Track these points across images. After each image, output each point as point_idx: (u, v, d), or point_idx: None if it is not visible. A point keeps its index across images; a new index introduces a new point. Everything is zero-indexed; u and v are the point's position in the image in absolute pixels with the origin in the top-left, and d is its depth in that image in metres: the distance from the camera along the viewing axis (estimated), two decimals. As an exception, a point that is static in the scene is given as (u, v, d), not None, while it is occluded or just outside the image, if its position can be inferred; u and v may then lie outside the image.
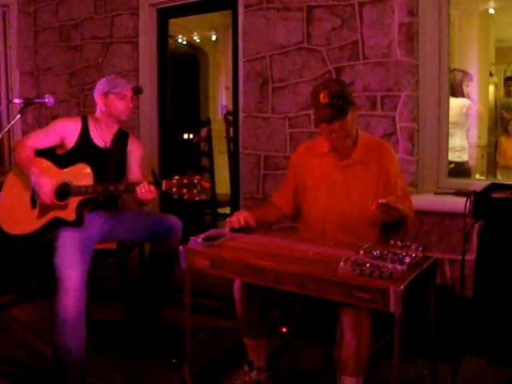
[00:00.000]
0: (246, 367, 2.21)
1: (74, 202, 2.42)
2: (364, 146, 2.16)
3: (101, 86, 2.59)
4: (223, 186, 5.00)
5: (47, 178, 2.39)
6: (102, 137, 2.61)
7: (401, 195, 2.12)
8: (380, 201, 1.87)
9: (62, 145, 2.57)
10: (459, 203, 2.24)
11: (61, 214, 2.42)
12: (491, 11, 4.68)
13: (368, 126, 3.05)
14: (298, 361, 2.23)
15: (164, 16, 4.04)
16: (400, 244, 1.74)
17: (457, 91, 4.02)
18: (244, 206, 3.49)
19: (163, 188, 2.30)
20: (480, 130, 4.44)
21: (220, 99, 6.28)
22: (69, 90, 4.27)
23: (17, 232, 2.49)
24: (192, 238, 1.97)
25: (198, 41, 6.09)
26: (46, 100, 2.43)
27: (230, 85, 3.84)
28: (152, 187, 2.32)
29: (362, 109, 3.05)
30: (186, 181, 2.26)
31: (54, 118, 3.93)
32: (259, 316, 2.15)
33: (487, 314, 2.38)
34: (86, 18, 4.21)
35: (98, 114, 2.63)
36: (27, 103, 2.44)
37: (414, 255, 1.66)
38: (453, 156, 3.59)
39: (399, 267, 1.57)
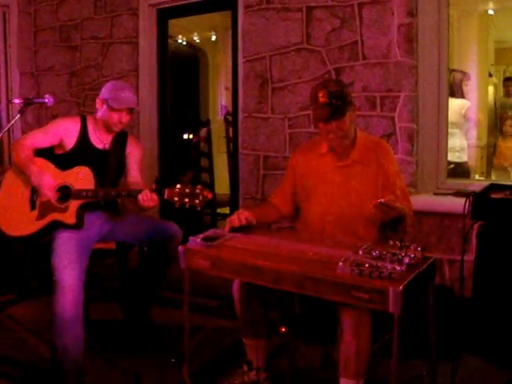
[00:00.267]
0: (245, 367, 2.21)
1: (74, 205, 2.39)
2: (362, 146, 2.17)
3: (103, 90, 2.55)
4: (223, 186, 5.00)
5: (48, 176, 2.37)
6: (100, 138, 2.59)
7: (400, 194, 2.12)
8: (378, 200, 1.88)
9: (60, 145, 2.54)
10: (458, 204, 2.24)
11: (60, 216, 2.40)
12: (490, 12, 4.68)
13: (367, 126, 3.06)
14: (297, 361, 2.23)
15: (164, 16, 4.04)
16: (399, 244, 1.74)
17: (456, 92, 4.02)
18: (243, 206, 3.49)
19: (165, 197, 2.29)
20: (479, 130, 4.45)
21: (220, 99, 6.29)
22: (69, 90, 4.27)
23: (15, 233, 2.47)
24: (191, 238, 1.97)
25: (197, 41, 6.10)
26: (46, 100, 2.43)
27: (230, 85, 3.85)
28: (154, 195, 2.29)
29: (362, 109, 3.06)
30: (188, 190, 2.23)
31: (54, 117, 3.92)
32: (258, 316, 2.15)
33: (486, 315, 2.38)
34: (85, 18, 4.22)
35: (97, 116, 2.60)
36: (27, 103, 2.44)
37: (413, 255, 1.66)
38: (452, 156, 3.59)
39: (398, 267, 1.57)
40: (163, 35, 4.08)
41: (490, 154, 4.60)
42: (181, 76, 4.73)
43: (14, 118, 2.46)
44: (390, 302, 1.50)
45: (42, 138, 2.54)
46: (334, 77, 3.16)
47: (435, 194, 3.00)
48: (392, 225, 2.05)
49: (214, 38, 6.15)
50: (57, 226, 2.40)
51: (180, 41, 5.78)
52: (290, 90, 3.35)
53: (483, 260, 2.43)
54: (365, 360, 1.87)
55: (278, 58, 3.38)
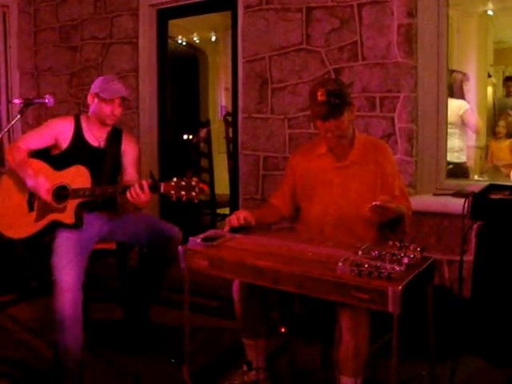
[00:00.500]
0: (245, 367, 2.22)
1: (72, 204, 2.39)
2: (361, 147, 2.17)
3: (94, 85, 2.55)
4: (222, 187, 5.00)
5: (43, 178, 2.36)
6: (95, 136, 2.58)
7: (399, 195, 2.13)
8: (374, 202, 1.88)
9: (56, 145, 2.54)
10: (458, 204, 2.25)
11: (59, 216, 2.40)
12: (490, 13, 4.69)
13: (367, 126, 3.06)
14: (296, 361, 2.24)
15: (164, 17, 4.05)
16: (398, 245, 1.75)
17: (456, 93, 4.01)
18: (243, 207, 3.50)
19: (161, 191, 2.29)
20: (479, 131, 4.43)
21: (219, 100, 6.29)
22: (69, 90, 4.27)
23: (15, 236, 2.46)
24: (191, 238, 1.98)
25: (197, 41, 6.10)
26: (46, 100, 2.42)
27: (230, 85, 3.85)
28: (146, 189, 2.27)
29: (361, 110, 3.06)
30: (183, 183, 2.25)
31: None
32: (258, 316, 2.15)
33: (485, 315, 2.38)
34: (85, 18, 4.22)
35: (90, 112, 2.59)
36: (27, 103, 2.44)
37: (412, 256, 1.67)
38: (451, 157, 3.59)
39: (397, 268, 1.57)
40: (163, 35, 4.09)
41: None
42: (181, 76, 4.73)
43: (14, 118, 2.46)
44: (389, 302, 1.51)
45: (37, 139, 2.53)
46: (333, 77, 3.17)
47: (434, 194, 3.01)
48: (391, 225, 2.06)
49: (213, 38, 6.15)
50: (56, 226, 2.41)
51: (180, 41, 5.79)
52: (290, 91, 3.35)
53: (482, 260, 2.43)
54: (363, 359, 1.88)
55: (278, 59, 3.38)
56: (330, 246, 1.88)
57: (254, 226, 2.12)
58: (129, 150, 2.64)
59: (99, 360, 2.53)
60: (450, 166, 3.47)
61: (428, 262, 1.73)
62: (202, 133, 5.34)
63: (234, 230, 2.08)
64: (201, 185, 2.27)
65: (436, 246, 2.88)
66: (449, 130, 3.18)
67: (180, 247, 1.97)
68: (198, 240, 1.96)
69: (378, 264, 1.60)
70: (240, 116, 3.60)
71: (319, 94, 2.02)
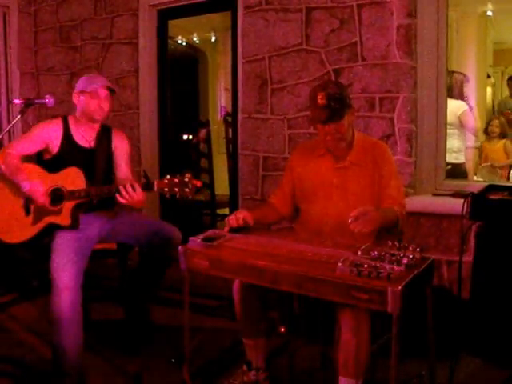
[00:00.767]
0: (245, 367, 2.22)
1: (68, 206, 2.39)
2: (359, 148, 2.17)
3: (77, 84, 2.56)
4: (222, 187, 5.00)
5: (38, 182, 2.35)
6: (85, 136, 2.57)
7: (393, 195, 2.11)
8: (349, 220, 1.85)
9: (47, 150, 2.53)
10: (457, 204, 2.26)
11: (56, 219, 2.40)
12: (489, 13, 4.70)
13: (366, 127, 3.07)
14: (296, 361, 2.24)
15: (164, 17, 4.05)
16: (398, 245, 1.76)
17: (456, 93, 4.01)
18: (243, 207, 3.50)
19: (155, 189, 2.30)
20: (477, 132, 4.43)
21: (219, 100, 6.29)
22: (69, 90, 4.24)
23: (13, 240, 2.46)
24: (191, 238, 1.98)
25: (197, 42, 6.11)
26: (47, 100, 2.43)
27: (230, 86, 3.86)
28: (138, 189, 2.28)
29: (361, 110, 3.07)
30: (177, 180, 2.27)
31: (54, 118, 3.92)
32: (258, 316, 2.16)
33: (484, 315, 2.39)
34: (86, 18, 4.22)
35: (77, 113, 2.58)
36: (28, 103, 2.44)
37: (411, 256, 1.67)
38: (450, 157, 3.59)
39: (397, 268, 1.58)
40: (163, 36, 4.09)
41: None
42: (180, 77, 4.74)
43: (14, 118, 2.46)
44: (388, 302, 1.51)
45: (28, 144, 2.52)
46: (333, 78, 3.17)
47: (434, 194, 3.01)
48: (385, 228, 2.05)
49: (213, 38, 6.16)
50: (53, 228, 2.41)
51: (180, 41, 5.79)
52: (290, 91, 3.36)
53: (481, 261, 2.44)
54: (364, 360, 1.88)
55: (278, 59, 3.39)
56: (329, 246, 1.89)
57: (254, 226, 2.12)
58: (120, 147, 2.65)
59: (99, 360, 2.53)
60: (449, 167, 3.47)
61: (427, 263, 1.74)
62: (202, 133, 5.33)
63: (233, 229, 2.09)
64: (194, 181, 2.29)
65: (435, 247, 2.88)
66: (447, 131, 3.19)
67: (180, 247, 1.97)
68: (198, 240, 1.96)
69: (378, 264, 1.60)
70: (240, 116, 3.60)
71: (319, 97, 2.02)
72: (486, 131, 4.43)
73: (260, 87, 3.47)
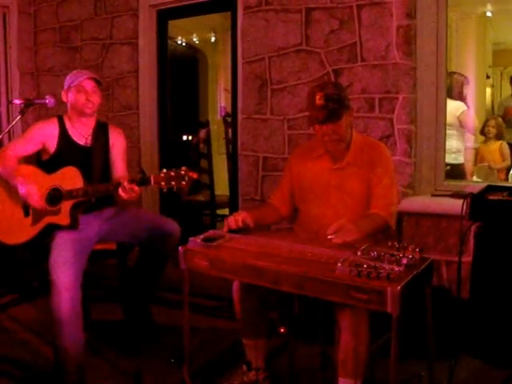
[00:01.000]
0: (245, 367, 2.23)
1: (66, 206, 2.40)
2: (357, 148, 2.17)
3: (65, 82, 2.56)
4: (222, 188, 5.01)
5: (34, 186, 2.35)
6: (81, 133, 2.57)
7: (379, 194, 2.10)
8: (328, 236, 1.87)
9: (44, 150, 2.54)
10: (456, 205, 2.26)
11: (54, 219, 2.41)
12: (489, 14, 4.71)
13: (366, 127, 3.07)
14: (296, 361, 2.24)
15: (164, 17, 4.05)
16: (397, 245, 1.76)
17: (456, 94, 4.01)
18: (243, 208, 3.51)
19: (152, 183, 2.32)
20: (476, 132, 4.43)
21: (219, 101, 6.30)
22: (68, 90, 4.28)
23: (13, 241, 2.46)
24: (191, 238, 1.99)
25: (197, 42, 6.11)
26: (47, 101, 2.43)
27: (229, 86, 3.86)
28: (134, 186, 2.30)
29: (361, 111, 3.07)
30: (173, 173, 2.29)
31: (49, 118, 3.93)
32: (258, 316, 2.16)
33: (483, 315, 2.40)
34: (85, 19, 4.22)
35: (68, 111, 2.58)
36: (28, 104, 2.44)
37: (410, 256, 1.68)
38: (449, 158, 3.59)
39: (396, 268, 1.58)
40: (163, 36, 4.09)
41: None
42: (180, 77, 4.74)
43: (14, 118, 2.46)
44: (388, 303, 1.52)
45: (24, 146, 2.52)
46: (332, 78, 3.18)
47: (433, 195, 3.02)
48: (372, 233, 2.04)
49: (213, 39, 6.16)
50: (53, 228, 2.41)
51: (179, 42, 5.79)
52: (289, 92, 3.36)
53: (480, 261, 2.44)
54: (363, 360, 1.88)
55: (277, 60, 3.39)
56: (329, 247, 1.89)
57: (253, 228, 2.13)
58: (117, 144, 2.65)
59: (99, 360, 2.54)
60: (448, 168, 3.48)
61: (426, 263, 1.74)
62: (202, 133, 5.34)
63: (232, 230, 2.09)
64: (190, 173, 2.30)
65: (434, 247, 2.89)
66: (447, 132, 3.19)
67: (180, 247, 1.98)
68: (198, 240, 1.97)
69: (377, 264, 1.61)
70: (239, 117, 3.60)
71: (317, 97, 2.02)
72: (483, 132, 4.37)
73: (260, 88, 3.47)
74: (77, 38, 4.28)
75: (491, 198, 2.21)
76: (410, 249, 1.73)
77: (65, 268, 2.24)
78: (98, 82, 2.54)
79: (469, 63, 4.64)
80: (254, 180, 3.52)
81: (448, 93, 3.40)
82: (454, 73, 4.14)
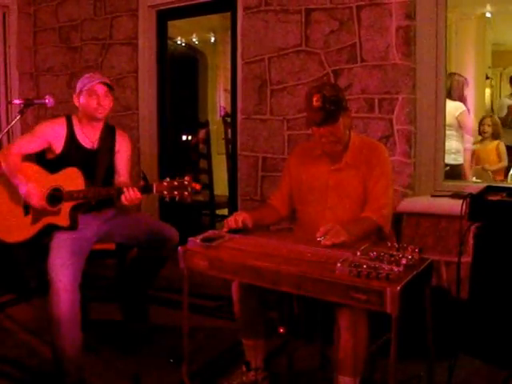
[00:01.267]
0: (244, 367, 2.23)
1: (66, 207, 2.39)
2: (355, 150, 2.17)
3: (77, 85, 2.56)
4: (221, 188, 5.01)
5: (35, 186, 2.35)
6: (88, 137, 2.56)
7: (375, 196, 2.10)
8: (318, 239, 1.88)
9: (49, 149, 2.52)
10: (456, 205, 2.26)
11: (54, 219, 2.40)
12: (488, 15, 4.71)
13: (366, 128, 3.07)
14: (295, 361, 2.24)
15: (163, 18, 4.06)
16: (396, 246, 1.76)
17: (456, 95, 4.00)
18: (242, 208, 3.51)
19: (154, 191, 2.30)
20: (474, 133, 4.42)
21: (218, 101, 6.30)
22: (68, 90, 4.26)
23: (11, 239, 2.46)
24: (190, 238, 1.99)
25: (196, 43, 6.11)
26: (47, 101, 2.42)
27: (229, 87, 3.86)
28: (137, 193, 2.30)
29: (360, 111, 3.07)
30: (176, 183, 2.27)
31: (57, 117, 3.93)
32: (257, 316, 2.16)
33: (483, 316, 2.40)
34: (85, 19, 4.23)
35: (79, 114, 2.58)
36: (27, 104, 2.44)
37: (410, 257, 1.68)
38: (448, 158, 3.58)
39: (396, 268, 1.58)
40: (162, 36, 4.10)
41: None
42: (180, 77, 4.74)
43: (13, 118, 2.46)
44: (387, 303, 1.52)
45: (30, 143, 2.51)
46: (332, 79, 3.18)
47: (432, 195, 3.02)
48: (363, 236, 2.04)
49: (212, 39, 6.16)
50: (52, 229, 2.41)
51: (179, 42, 5.80)
52: (289, 92, 3.36)
53: (480, 261, 2.44)
54: (362, 358, 1.89)
55: (277, 60, 3.39)
56: (328, 247, 1.89)
57: (252, 228, 2.13)
58: (122, 150, 2.64)
59: (99, 360, 2.53)
60: (447, 168, 3.48)
61: (426, 263, 1.74)
62: (201, 134, 5.34)
63: (231, 231, 2.09)
64: (193, 184, 2.29)
65: (434, 247, 2.89)
66: (446, 132, 3.20)
67: (179, 247, 1.98)
68: (198, 240, 1.97)
69: (377, 265, 1.61)
70: (239, 117, 3.61)
71: (315, 99, 2.02)
72: (479, 131, 4.27)
73: (259, 88, 3.47)
74: (76, 38, 4.29)
75: (491, 198, 2.21)
76: (409, 249, 1.73)
77: (63, 268, 2.24)
78: (109, 87, 2.53)
79: (468, 64, 4.64)
80: (254, 180, 3.53)
81: (448, 94, 3.40)
82: (455, 74, 4.13)
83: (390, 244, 1.78)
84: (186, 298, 2.03)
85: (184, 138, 5.40)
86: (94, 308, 2.86)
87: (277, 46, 3.38)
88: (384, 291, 1.52)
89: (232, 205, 3.82)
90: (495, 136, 4.22)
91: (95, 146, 2.57)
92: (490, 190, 2.32)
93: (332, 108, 2.01)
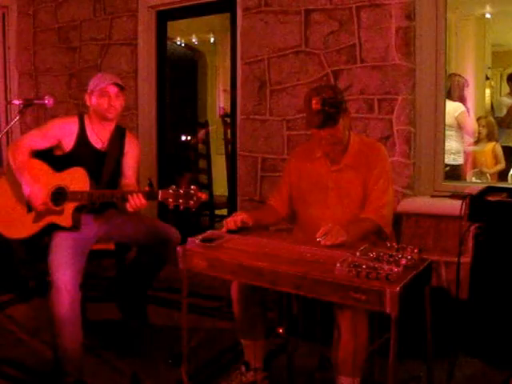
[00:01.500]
0: (243, 368, 2.23)
1: (69, 207, 2.39)
2: (355, 150, 2.16)
3: (89, 86, 2.55)
4: (221, 188, 5.01)
5: (40, 187, 2.34)
6: (99, 137, 2.56)
7: (374, 196, 2.10)
8: (317, 239, 1.88)
9: (58, 146, 2.52)
10: (455, 206, 2.26)
11: (57, 219, 2.40)
12: (488, 16, 4.72)
13: (365, 128, 3.07)
14: (294, 361, 2.24)
15: (163, 18, 4.06)
16: (396, 246, 1.76)
17: (456, 96, 4.00)
18: (241, 208, 3.51)
19: (159, 198, 2.29)
20: (474, 133, 4.41)
21: (218, 101, 6.30)
22: (68, 91, 4.27)
23: (13, 235, 2.46)
24: (190, 239, 1.99)
25: (196, 43, 6.11)
26: (46, 101, 2.42)
27: (228, 87, 3.86)
28: (143, 200, 2.29)
29: (360, 112, 3.07)
30: (182, 191, 2.25)
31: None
32: (256, 317, 2.16)
33: (482, 316, 2.40)
34: (85, 19, 4.23)
35: (91, 112, 2.57)
36: (27, 104, 2.44)
37: (410, 257, 1.68)
38: (448, 159, 3.58)
39: (395, 269, 1.58)
40: (162, 37, 4.10)
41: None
42: (179, 78, 4.74)
43: (13, 119, 2.46)
44: (387, 303, 1.52)
45: (40, 139, 2.50)
46: (332, 79, 3.18)
47: (432, 196, 3.02)
48: (362, 237, 2.04)
49: (212, 40, 6.17)
50: (53, 228, 2.41)
51: (179, 43, 5.80)
52: (289, 93, 3.36)
53: (479, 262, 2.44)
54: (362, 358, 1.89)
55: (277, 61, 3.39)
56: (328, 247, 1.89)
57: (252, 228, 2.12)
58: (130, 153, 2.64)
59: (98, 360, 2.53)
60: (447, 169, 3.48)
61: (425, 264, 1.74)
62: (201, 134, 5.35)
63: (231, 231, 2.09)
64: (199, 194, 2.26)
65: (433, 248, 2.89)
66: (446, 133, 3.20)
67: (179, 248, 1.97)
68: (197, 241, 1.97)
69: (376, 265, 1.61)
70: (239, 117, 3.60)
71: (314, 102, 2.01)
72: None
73: (259, 89, 3.47)
74: (76, 39, 4.29)
75: (490, 199, 2.21)
76: (409, 249, 1.73)
77: (64, 268, 2.24)
78: (121, 88, 2.53)
79: (468, 65, 4.64)
80: (253, 180, 3.53)
81: (448, 94, 3.40)
82: (455, 74, 4.13)
83: (389, 244, 1.78)
84: (186, 298, 2.02)
85: (183, 138, 5.41)
86: (93, 308, 2.86)
87: (276, 47, 3.38)
88: (384, 291, 1.52)
89: (231, 205, 3.82)
90: (490, 137, 4.13)
91: (105, 146, 2.57)
92: (490, 190, 2.32)
93: (331, 110, 2.01)
